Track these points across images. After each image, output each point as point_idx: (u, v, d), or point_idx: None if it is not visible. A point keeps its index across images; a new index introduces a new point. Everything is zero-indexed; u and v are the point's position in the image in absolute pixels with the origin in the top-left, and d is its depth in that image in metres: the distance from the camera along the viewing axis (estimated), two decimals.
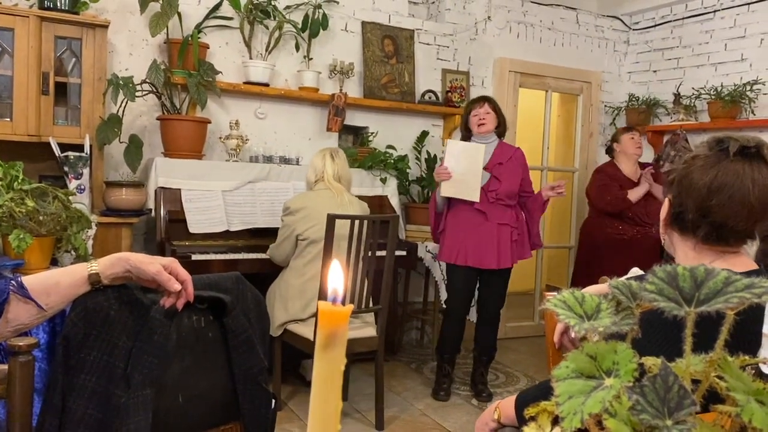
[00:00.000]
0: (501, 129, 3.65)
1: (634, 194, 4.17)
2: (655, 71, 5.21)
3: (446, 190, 3.51)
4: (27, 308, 1.17)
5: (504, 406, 1.45)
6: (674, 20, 5.02)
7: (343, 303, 0.47)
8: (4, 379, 1.08)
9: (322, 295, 3.00)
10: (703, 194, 1.22)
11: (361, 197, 3.58)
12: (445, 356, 3.69)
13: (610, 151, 4.47)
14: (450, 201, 3.58)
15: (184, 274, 1.23)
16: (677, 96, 4.82)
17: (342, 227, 2.97)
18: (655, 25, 5.19)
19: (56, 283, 1.18)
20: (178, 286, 1.20)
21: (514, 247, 3.56)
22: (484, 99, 3.66)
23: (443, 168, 3.47)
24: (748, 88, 4.36)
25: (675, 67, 5.03)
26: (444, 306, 4.09)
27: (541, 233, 3.87)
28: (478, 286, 3.65)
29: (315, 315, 3.14)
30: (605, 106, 5.38)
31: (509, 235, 3.53)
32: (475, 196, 3.47)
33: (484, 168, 3.50)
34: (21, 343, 1.09)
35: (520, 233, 3.61)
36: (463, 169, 3.46)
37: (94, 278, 1.19)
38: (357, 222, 3.01)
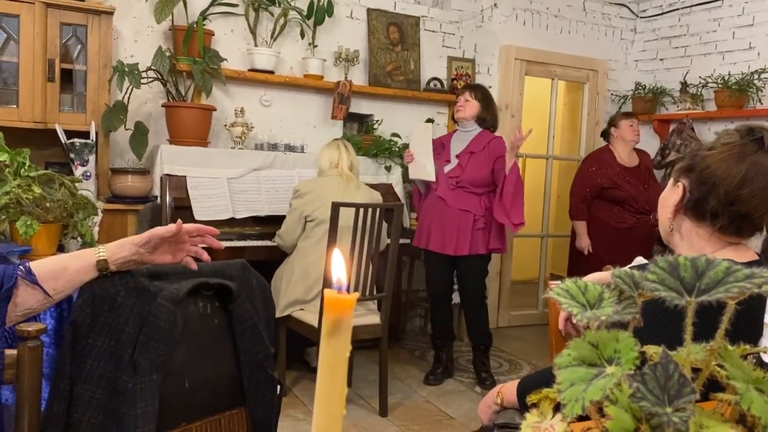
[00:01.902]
0: (487, 119, 3.58)
1: (580, 229, 4.27)
2: (662, 59, 5.17)
3: (411, 172, 3.71)
4: (34, 293, 1.18)
5: (507, 390, 1.48)
6: (682, 8, 4.98)
7: (348, 291, 0.48)
8: (14, 363, 1.09)
9: (326, 281, 3.01)
10: (735, 183, 1.20)
11: (366, 185, 3.59)
12: (437, 342, 3.77)
13: (606, 135, 4.43)
14: (427, 188, 3.66)
15: (199, 227, 1.32)
16: (684, 84, 4.79)
17: (347, 214, 2.98)
18: (663, 13, 5.15)
19: (64, 269, 1.19)
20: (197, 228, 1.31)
21: (478, 236, 3.49)
22: (466, 87, 3.69)
23: (407, 151, 3.69)
24: (756, 76, 4.33)
25: (682, 55, 4.99)
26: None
27: (519, 215, 3.43)
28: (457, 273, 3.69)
29: (318, 297, 3.17)
30: (611, 94, 5.35)
31: (472, 223, 3.48)
32: (431, 176, 3.54)
33: (456, 156, 3.55)
34: (30, 329, 1.10)
35: (487, 223, 3.51)
36: (420, 151, 3.60)
37: (102, 264, 1.20)
38: (362, 209, 3.02)
